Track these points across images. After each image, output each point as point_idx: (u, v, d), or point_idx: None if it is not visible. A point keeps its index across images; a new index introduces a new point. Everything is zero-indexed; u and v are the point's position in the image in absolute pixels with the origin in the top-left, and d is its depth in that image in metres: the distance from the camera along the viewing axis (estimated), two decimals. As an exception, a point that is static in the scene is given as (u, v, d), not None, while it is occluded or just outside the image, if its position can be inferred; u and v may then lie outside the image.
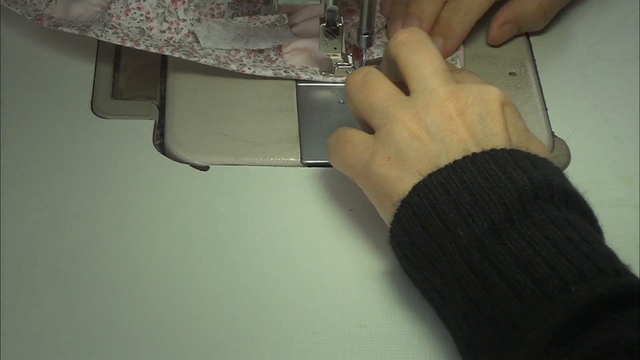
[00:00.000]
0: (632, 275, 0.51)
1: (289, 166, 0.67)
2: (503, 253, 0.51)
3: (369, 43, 0.71)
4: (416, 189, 0.55)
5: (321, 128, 0.68)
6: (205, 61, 0.70)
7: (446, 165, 0.55)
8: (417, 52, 0.59)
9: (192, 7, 0.72)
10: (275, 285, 0.60)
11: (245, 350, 0.56)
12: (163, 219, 0.63)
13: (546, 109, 0.71)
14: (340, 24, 0.70)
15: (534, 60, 0.75)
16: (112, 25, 0.70)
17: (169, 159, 0.67)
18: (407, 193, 0.55)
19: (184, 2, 0.72)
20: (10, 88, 0.70)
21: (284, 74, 0.71)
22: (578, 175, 0.67)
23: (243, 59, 0.71)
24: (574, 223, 0.53)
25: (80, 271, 0.60)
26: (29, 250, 0.60)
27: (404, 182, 0.56)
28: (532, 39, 0.76)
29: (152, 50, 0.69)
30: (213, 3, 0.73)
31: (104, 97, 0.71)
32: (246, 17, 0.73)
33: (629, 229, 0.64)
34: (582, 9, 0.80)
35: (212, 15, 0.73)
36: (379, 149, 0.58)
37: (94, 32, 0.69)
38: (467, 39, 0.75)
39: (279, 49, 0.72)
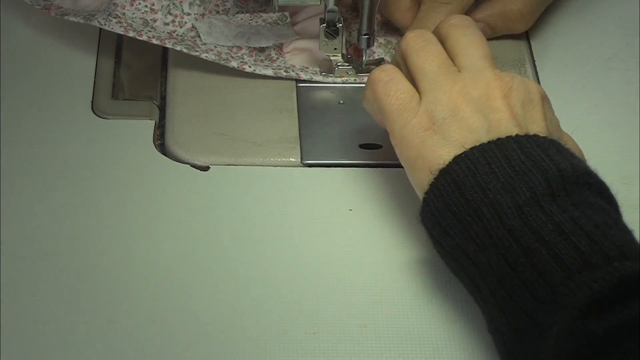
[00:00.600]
0: None
1: (289, 166, 0.67)
2: (544, 220, 0.52)
3: (369, 44, 0.71)
4: (457, 159, 0.56)
5: (321, 128, 0.68)
6: (206, 56, 0.70)
7: (489, 141, 0.56)
8: (469, 35, 0.61)
9: (198, 2, 0.72)
10: (276, 285, 0.60)
11: (245, 350, 0.56)
12: (163, 219, 0.63)
13: (546, 109, 0.71)
14: (341, 25, 0.70)
15: (534, 60, 0.75)
16: (116, 14, 0.70)
17: (169, 159, 0.67)
18: (445, 162, 0.56)
19: None
20: (10, 88, 0.70)
21: (285, 74, 0.71)
22: (578, 175, 0.67)
23: (244, 56, 0.71)
24: (610, 212, 0.54)
25: (81, 271, 0.60)
26: (29, 250, 0.60)
27: (443, 149, 0.57)
28: (532, 39, 0.76)
29: (154, 41, 0.69)
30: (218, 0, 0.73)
31: (104, 97, 0.71)
32: (248, 15, 0.73)
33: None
34: (582, 8, 0.80)
35: (217, 12, 0.73)
36: (424, 112, 0.58)
37: (98, 21, 0.69)
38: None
39: (280, 48, 0.72)
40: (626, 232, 0.54)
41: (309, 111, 0.70)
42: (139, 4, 0.71)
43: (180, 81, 0.71)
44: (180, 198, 0.64)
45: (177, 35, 0.71)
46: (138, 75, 0.73)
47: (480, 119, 0.57)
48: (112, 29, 0.69)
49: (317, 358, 0.56)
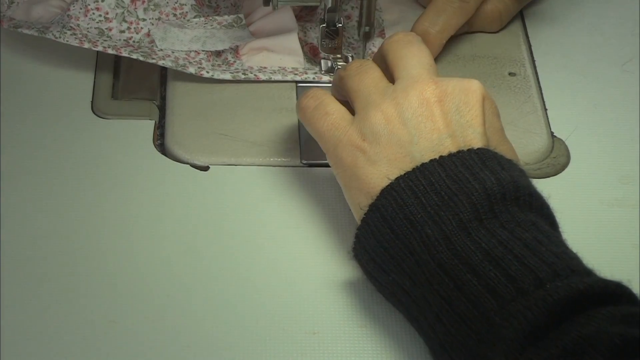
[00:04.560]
0: (601, 277, 0.51)
1: (289, 166, 0.67)
2: (473, 249, 0.51)
3: (368, 37, 0.70)
4: (384, 192, 0.55)
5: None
6: (163, 63, 0.69)
7: (414, 169, 0.55)
8: (407, 47, 0.61)
9: (152, 7, 0.72)
10: (276, 285, 0.60)
11: (245, 350, 0.56)
12: (163, 219, 0.63)
13: (546, 109, 0.71)
14: (340, 25, 0.70)
15: (533, 60, 0.75)
16: (70, 26, 0.70)
17: (169, 159, 0.67)
18: (374, 183, 0.56)
19: (143, 2, 0.71)
20: (10, 88, 0.70)
21: (243, 77, 0.71)
22: (578, 175, 0.67)
23: (202, 61, 0.71)
24: (540, 226, 0.53)
25: (81, 271, 0.60)
26: (29, 250, 0.60)
27: (373, 167, 0.56)
28: (532, 39, 0.76)
29: (110, 51, 0.69)
30: (176, 3, 0.72)
31: (104, 97, 0.71)
32: (203, 19, 0.72)
33: (629, 229, 0.64)
34: (582, 8, 0.80)
35: (175, 15, 0.72)
36: (354, 130, 0.58)
37: (53, 34, 0.69)
38: (467, 39, 0.75)
39: (236, 50, 0.72)
40: (558, 244, 0.53)
41: (309, 111, 0.70)
42: (93, 13, 0.71)
43: (180, 81, 0.71)
44: (180, 198, 0.64)
45: (133, 42, 0.71)
46: (138, 75, 0.72)
47: (409, 130, 0.57)
48: (67, 41, 0.69)
49: (317, 358, 0.56)
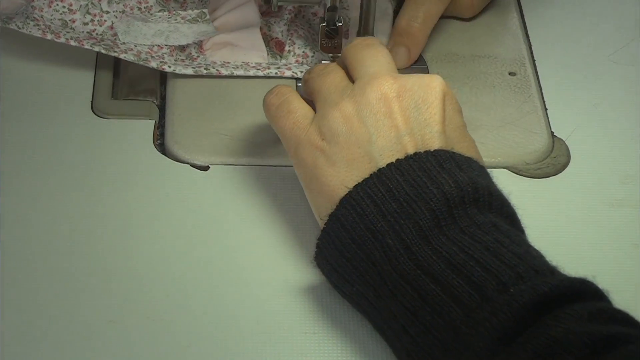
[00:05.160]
0: (566, 275, 0.51)
1: (289, 166, 0.67)
2: (434, 258, 0.51)
3: None
4: (343, 201, 0.55)
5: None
6: (125, 56, 0.69)
7: (371, 175, 0.55)
8: (365, 50, 0.61)
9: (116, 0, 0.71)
10: (275, 285, 0.60)
11: (245, 350, 0.56)
12: (163, 219, 0.63)
13: (546, 109, 0.71)
14: (340, 24, 0.70)
15: (534, 60, 0.75)
16: (34, 17, 0.69)
17: (169, 159, 0.67)
18: (333, 185, 0.56)
19: None
20: (10, 88, 0.70)
21: (205, 72, 0.70)
22: (578, 175, 0.67)
23: (165, 56, 0.70)
24: (500, 227, 0.53)
25: (80, 271, 0.60)
26: (29, 250, 0.60)
27: (332, 169, 0.56)
28: (532, 39, 0.76)
29: (72, 43, 0.69)
30: None
31: (104, 97, 0.71)
32: (167, 13, 0.72)
33: (629, 229, 0.64)
34: (582, 8, 0.80)
35: (139, 9, 0.72)
36: (314, 129, 0.58)
37: (16, 25, 0.69)
38: (467, 39, 0.75)
39: (200, 45, 0.72)
40: (519, 243, 0.52)
41: (309, 111, 0.70)
42: (57, 5, 0.70)
43: (180, 81, 0.71)
44: (180, 198, 0.64)
45: (96, 34, 0.71)
46: (138, 75, 0.72)
47: (367, 128, 0.56)
48: (30, 32, 0.68)
49: (317, 358, 0.56)
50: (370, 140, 0.56)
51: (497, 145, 0.68)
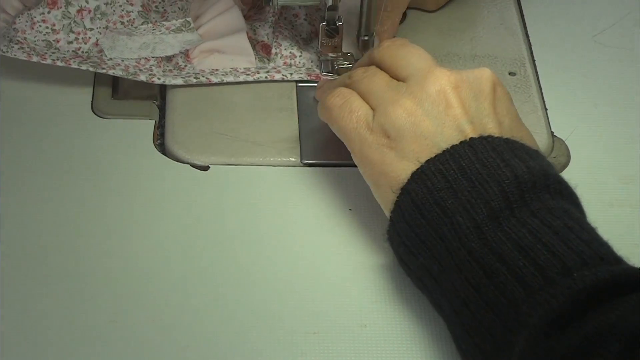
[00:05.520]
0: (630, 265, 0.52)
1: (289, 166, 0.67)
2: (503, 239, 0.52)
3: (366, 46, 0.71)
4: (414, 175, 0.55)
5: (321, 128, 0.68)
6: (113, 72, 0.69)
7: (444, 151, 0.55)
8: (402, 48, 0.61)
9: (99, 15, 0.70)
10: (276, 285, 0.60)
11: (245, 350, 0.56)
12: (163, 219, 0.63)
13: (546, 109, 0.71)
14: (340, 23, 0.70)
15: (534, 60, 0.75)
16: (17, 40, 0.69)
17: (169, 159, 0.67)
18: (404, 178, 0.56)
19: (89, 11, 0.70)
20: (10, 87, 0.70)
21: (195, 80, 0.70)
22: (578, 175, 0.67)
23: (153, 68, 0.70)
24: (572, 213, 0.54)
25: (81, 271, 0.60)
26: (29, 250, 0.60)
27: (401, 164, 0.57)
28: (532, 39, 0.76)
29: (59, 63, 0.68)
30: (122, 10, 0.71)
31: (104, 97, 0.71)
32: (151, 25, 0.71)
33: (629, 229, 0.64)
34: (582, 8, 0.80)
35: (122, 23, 0.71)
36: (377, 127, 0.58)
37: None
38: (467, 39, 0.75)
39: (186, 54, 0.71)
40: (589, 231, 0.53)
41: (309, 111, 0.70)
42: (40, 26, 0.69)
43: (180, 81, 0.71)
44: (180, 198, 0.64)
45: (82, 52, 0.70)
46: (138, 75, 0.72)
47: (432, 121, 0.57)
48: (15, 55, 0.68)
49: (317, 358, 0.56)
50: (436, 132, 0.56)
51: (497, 145, 0.68)
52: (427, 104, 0.57)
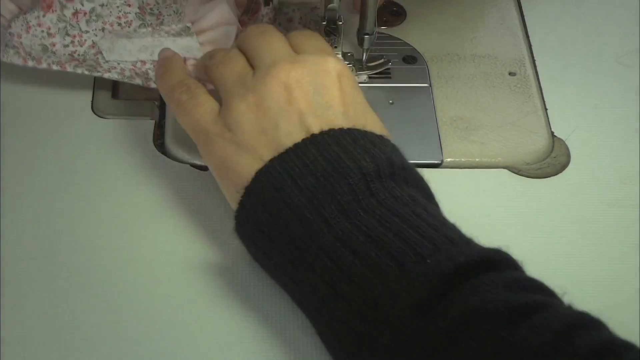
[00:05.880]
0: (481, 246, 0.52)
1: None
2: (353, 231, 0.51)
3: (370, 43, 0.71)
4: (259, 175, 0.55)
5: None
6: (109, 75, 0.68)
7: (287, 150, 0.55)
8: (260, 36, 0.61)
9: (94, 17, 0.70)
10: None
11: (245, 350, 0.56)
12: (163, 219, 0.63)
13: (546, 109, 0.71)
14: (341, 23, 0.70)
15: (534, 60, 0.75)
16: (13, 44, 0.68)
17: (169, 159, 0.67)
18: (247, 175, 0.55)
19: (85, 14, 0.70)
20: (10, 87, 0.70)
21: None
22: (578, 175, 0.67)
23: (149, 71, 0.70)
24: (417, 199, 0.54)
25: (80, 270, 0.59)
26: (29, 250, 0.60)
27: (243, 158, 0.56)
28: (532, 39, 0.76)
29: (55, 67, 0.68)
30: (120, 12, 0.71)
31: (104, 96, 0.71)
32: (150, 29, 0.71)
33: (629, 229, 0.64)
34: (582, 8, 0.80)
35: (120, 25, 0.71)
36: (219, 120, 0.58)
37: None
38: (467, 39, 0.75)
39: (184, 59, 0.70)
40: (436, 216, 0.53)
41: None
42: (35, 30, 0.69)
43: (180, 81, 0.71)
44: (180, 198, 0.64)
45: (78, 55, 0.69)
46: (138, 74, 0.72)
47: (274, 117, 0.57)
48: (11, 60, 0.67)
49: (318, 358, 0.56)
50: (276, 127, 0.56)
51: (497, 145, 0.68)
52: (268, 100, 0.57)
